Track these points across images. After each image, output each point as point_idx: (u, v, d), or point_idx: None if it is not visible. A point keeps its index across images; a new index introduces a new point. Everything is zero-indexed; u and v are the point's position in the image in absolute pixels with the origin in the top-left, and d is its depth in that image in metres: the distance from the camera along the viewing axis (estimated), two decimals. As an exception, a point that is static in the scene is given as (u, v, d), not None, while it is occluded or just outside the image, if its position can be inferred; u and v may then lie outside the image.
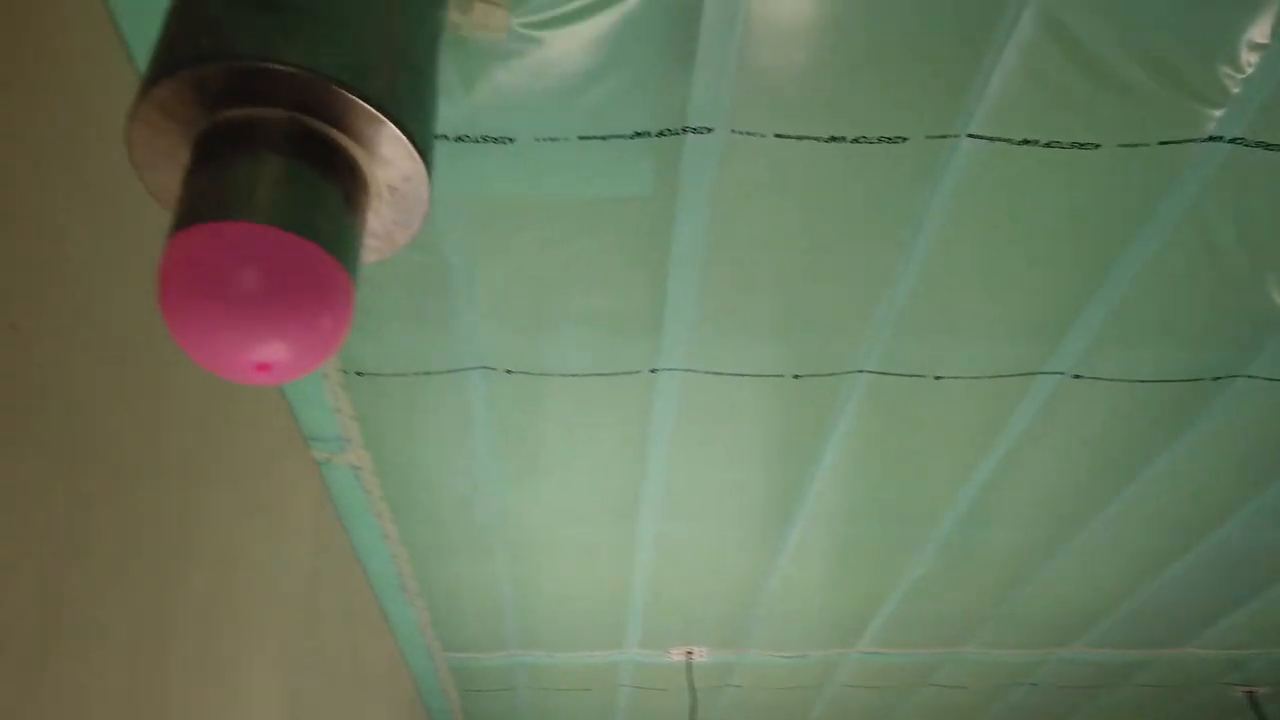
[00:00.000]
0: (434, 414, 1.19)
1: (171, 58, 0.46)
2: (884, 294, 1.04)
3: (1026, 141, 0.87)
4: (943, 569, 1.69)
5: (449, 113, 0.80)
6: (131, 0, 0.69)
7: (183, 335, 0.42)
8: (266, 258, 0.43)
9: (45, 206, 0.63)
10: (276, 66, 0.46)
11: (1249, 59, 0.79)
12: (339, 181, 0.49)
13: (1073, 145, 0.87)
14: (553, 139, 0.83)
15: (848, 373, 1.16)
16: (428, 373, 1.13)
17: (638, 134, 0.84)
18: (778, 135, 0.86)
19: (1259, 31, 0.77)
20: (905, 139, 0.87)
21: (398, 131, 0.49)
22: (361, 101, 0.47)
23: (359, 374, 1.12)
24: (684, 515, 1.48)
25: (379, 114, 0.48)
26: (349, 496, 1.35)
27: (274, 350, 0.43)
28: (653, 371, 1.15)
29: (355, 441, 1.24)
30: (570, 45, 0.76)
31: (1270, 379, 1.17)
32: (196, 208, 0.44)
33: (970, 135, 0.87)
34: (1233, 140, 0.86)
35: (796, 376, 1.17)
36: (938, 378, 1.17)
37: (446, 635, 1.85)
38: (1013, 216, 0.94)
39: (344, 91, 0.47)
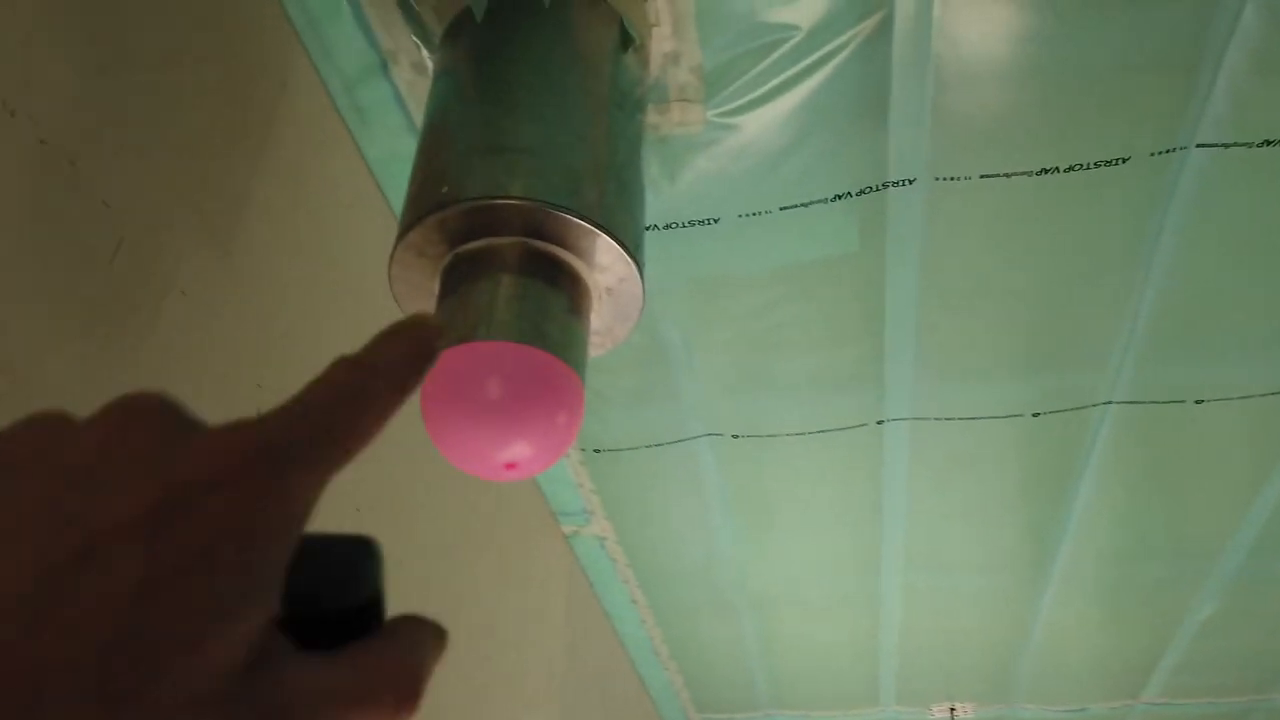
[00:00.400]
0: (667, 482, 1.24)
1: (418, 207, 0.54)
2: (1123, 320, 0.98)
3: (1268, 143, 0.80)
4: (1236, 605, 1.52)
5: (657, 204, 0.85)
6: (385, 157, 0.80)
7: (441, 442, 0.49)
8: (506, 370, 0.49)
9: (332, 336, 0.73)
10: (503, 202, 0.52)
11: None
12: (564, 291, 0.54)
13: (1325, 139, 0.80)
14: (755, 213, 0.87)
15: (1093, 406, 1.09)
16: (658, 444, 1.18)
17: (838, 196, 0.86)
18: (983, 176, 0.84)
19: None
20: (1126, 159, 0.82)
21: (610, 241, 0.54)
22: (577, 220, 0.53)
23: (596, 451, 1.19)
24: (931, 565, 1.43)
25: (592, 228, 0.53)
26: (597, 566, 1.42)
27: (519, 450, 0.49)
28: (879, 423, 1.14)
29: (598, 514, 1.31)
30: (764, 125, 0.79)
31: None
32: (445, 335, 0.50)
33: (1200, 145, 0.81)
34: None
35: (1036, 415, 1.11)
36: (1198, 402, 1.07)
37: (700, 697, 1.88)
38: (1258, 224, 0.86)
39: (561, 213, 0.53)
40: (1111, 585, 1.49)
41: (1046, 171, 0.83)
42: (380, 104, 0.77)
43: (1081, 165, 0.83)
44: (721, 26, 0.71)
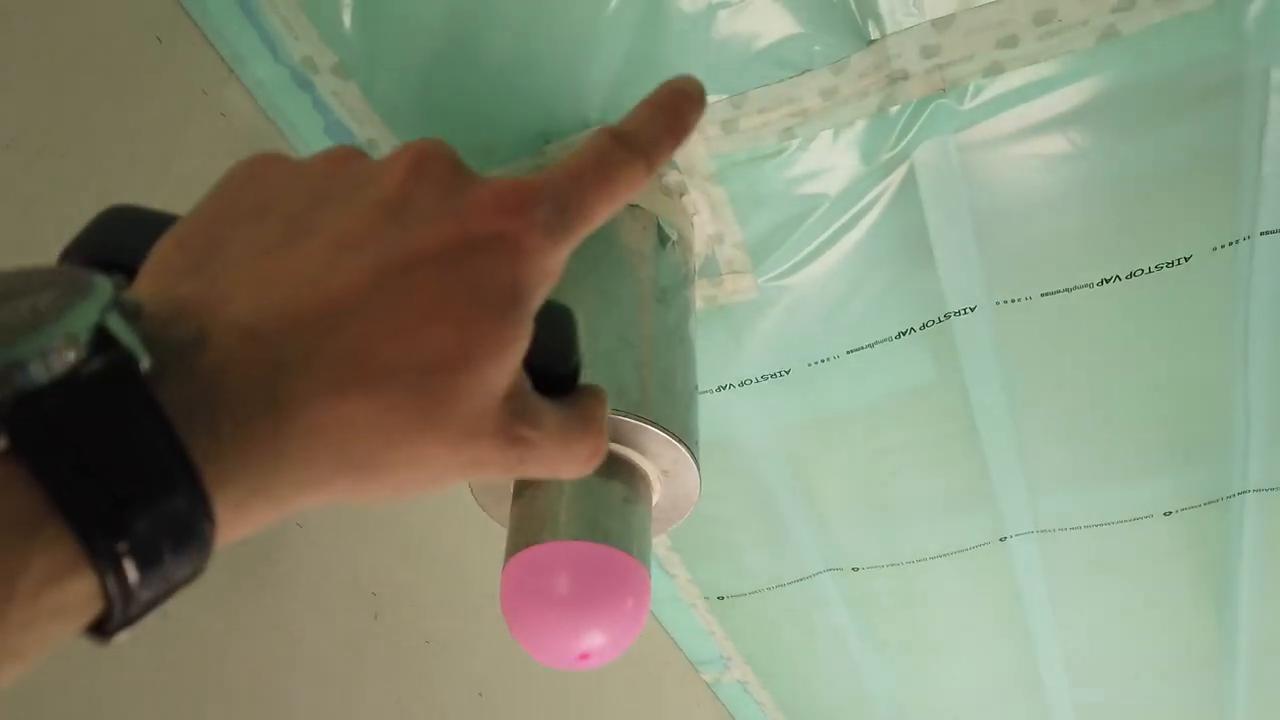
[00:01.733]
0: (797, 621, 1.24)
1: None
2: (1234, 409, 0.94)
3: (1335, 219, 0.79)
4: None
5: (727, 366, 0.91)
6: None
7: (521, 637, 0.54)
8: (569, 567, 0.54)
9: (458, 544, 0.81)
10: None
11: None
12: (621, 483, 0.60)
13: (1398, 206, 0.77)
14: (823, 360, 0.91)
15: (1227, 498, 1.04)
16: (780, 585, 1.19)
17: (902, 334, 0.89)
18: (1044, 294, 0.85)
19: None
20: (1188, 258, 0.82)
21: (657, 431, 0.59)
22: (622, 418, 0.59)
23: (720, 598, 1.21)
24: (1098, 681, 1.35)
25: (639, 422, 0.59)
26: (745, 711, 1.41)
27: (590, 639, 0.53)
28: (1002, 540, 1.12)
29: (735, 659, 1.32)
30: (814, 281, 0.84)
31: None
32: (517, 538, 0.56)
33: (1264, 233, 0.80)
34: None
35: (1167, 514, 1.07)
36: (1346, 482, 1.00)
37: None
38: (1354, 298, 0.83)
39: (610, 415, 0.59)
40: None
41: (1107, 281, 0.84)
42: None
43: (1143, 270, 0.83)
44: (754, 206, 0.77)
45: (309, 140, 0.71)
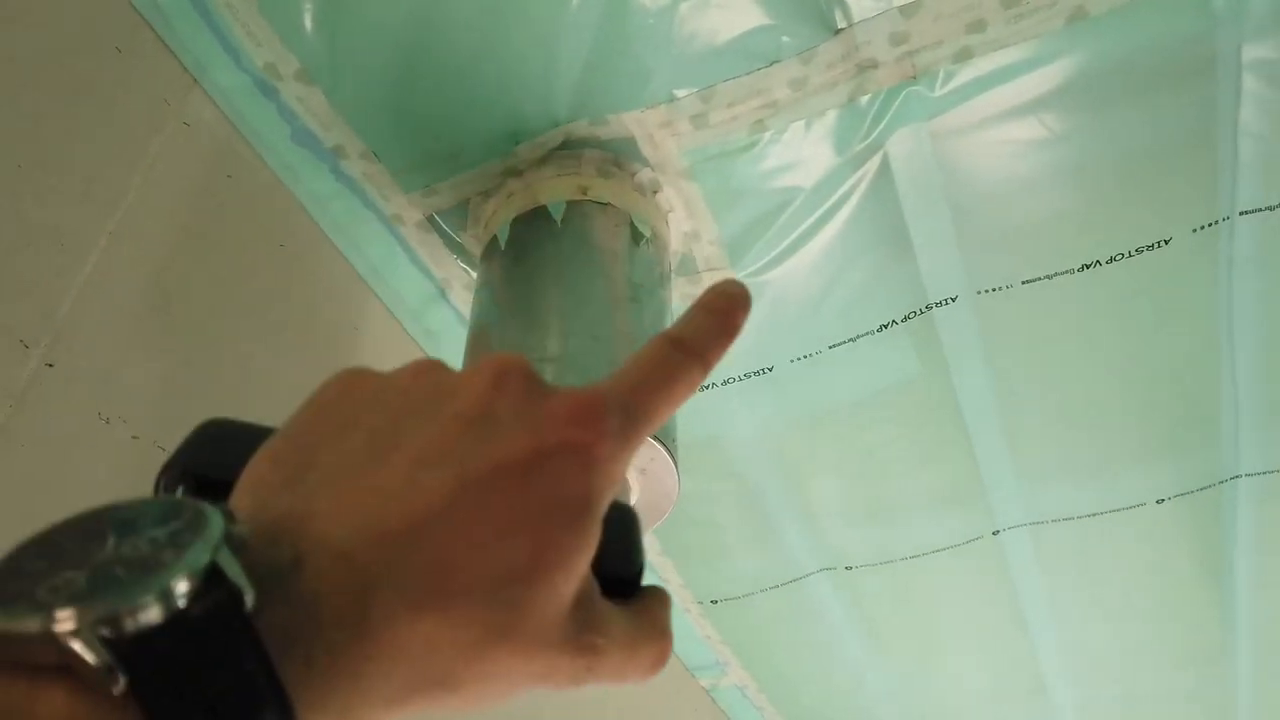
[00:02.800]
0: (793, 622, 1.23)
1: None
2: (1222, 393, 0.93)
3: (1315, 197, 0.78)
4: None
5: (709, 364, 0.90)
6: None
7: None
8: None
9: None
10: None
11: None
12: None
13: (1376, 181, 0.77)
14: (806, 356, 0.90)
15: (1220, 483, 1.03)
16: (774, 586, 1.18)
17: (883, 326, 0.88)
18: (1025, 282, 0.85)
19: None
20: (1168, 241, 0.82)
21: (633, 428, 0.59)
22: (597, 416, 0.58)
23: (714, 602, 1.20)
24: (1101, 676, 1.34)
25: (613, 421, 0.58)
26: (744, 716, 1.40)
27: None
28: (995, 534, 1.11)
29: (733, 663, 1.30)
30: (793, 276, 0.83)
31: None
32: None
33: (1243, 213, 0.80)
34: None
35: (1160, 501, 1.06)
36: (1339, 463, 1.00)
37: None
38: (1337, 275, 0.83)
39: (582, 413, 0.58)
40: (1323, 667, 1.34)
41: (1088, 267, 0.83)
42: (447, 325, 0.86)
43: (1123, 254, 0.82)
44: (729, 201, 0.77)
45: (276, 148, 0.70)
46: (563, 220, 0.69)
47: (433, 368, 0.24)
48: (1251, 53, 0.70)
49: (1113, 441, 0.99)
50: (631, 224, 0.72)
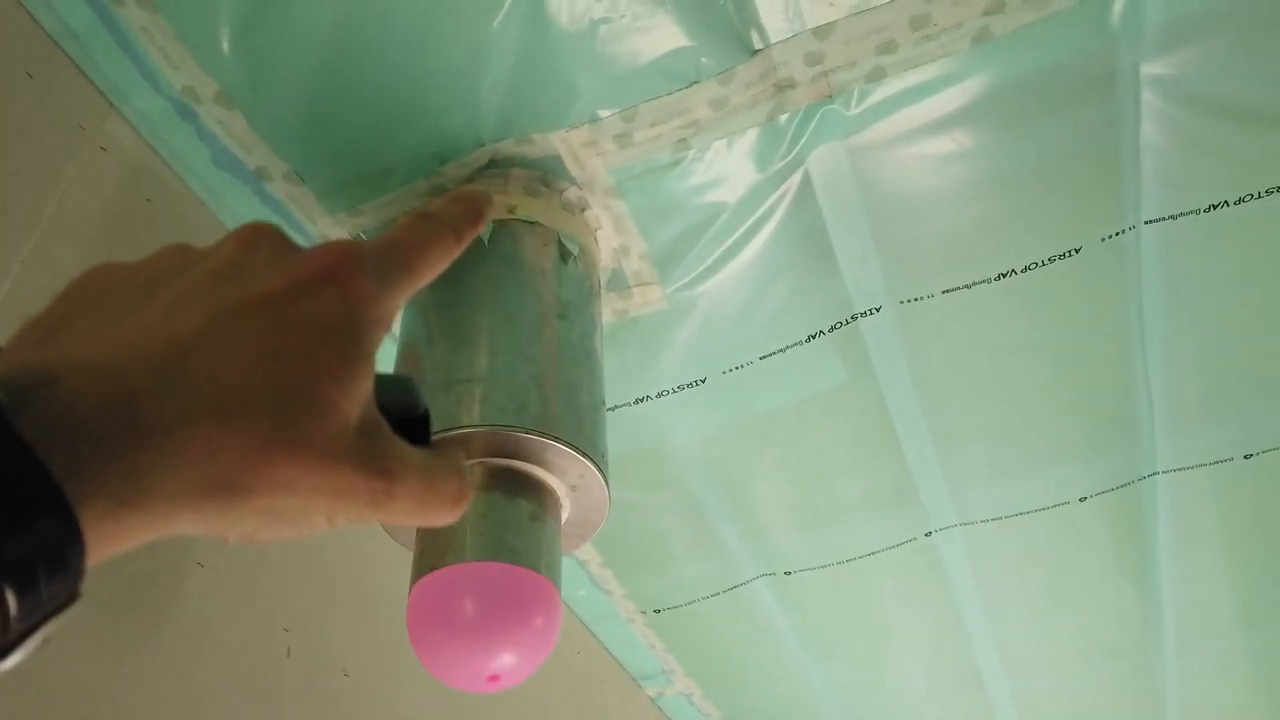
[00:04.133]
0: (736, 629, 1.25)
1: (387, 449, 0.61)
2: (1136, 394, 0.97)
3: (1213, 206, 0.82)
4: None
5: (643, 378, 0.91)
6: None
7: (427, 662, 0.53)
8: (475, 589, 0.53)
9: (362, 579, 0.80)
10: (456, 432, 0.58)
11: None
12: (527, 499, 0.59)
13: (1269, 191, 0.81)
14: (738, 367, 0.91)
15: (1137, 481, 1.07)
16: (716, 594, 1.19)
17: (811, 337, 0.90)
18: (945, 291, 0.87)
19: None
20: (1078, 250, 0.85)
21: (560, 446, 0.59)
22: (524, 434, 0.58)
23: (657, 611, 1.21)
24: (1033, 668, 1.38)
25: (540, 438, 0.59)
26: (691, 723, 1.41)
27: (499, 660, 0.53)
28: (928, 535, 1.14)
29: (678, 671, 1.32)
30: (722, 289, 0.85)
31: None
32: (421, 563, 0.56)
33: (1148, 222, 0.83)
34: None
35: (1082, 500, 1.09)
36: (1246, 456, 1.04)
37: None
38: (1236, 278, 0.87)
39: (509, 432, 0.58)
40: (1244, 656, 1.39)
41: (1004, 276, 0.86)
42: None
43: (1037, 263, 0.85)
44: (656, 217, 0.78)
45: (198, 171, 0.70)
46: (490, 239, 0.70)
47: (181, 248, 0.24)
48: (1149, 69, 0.73)
49: (1035, 443, 1.02)
50: (559, 242, 0.72)
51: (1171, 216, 0.83)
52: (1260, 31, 0.71)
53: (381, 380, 0.24)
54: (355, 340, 0.22)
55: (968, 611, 1.26)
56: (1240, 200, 0.81)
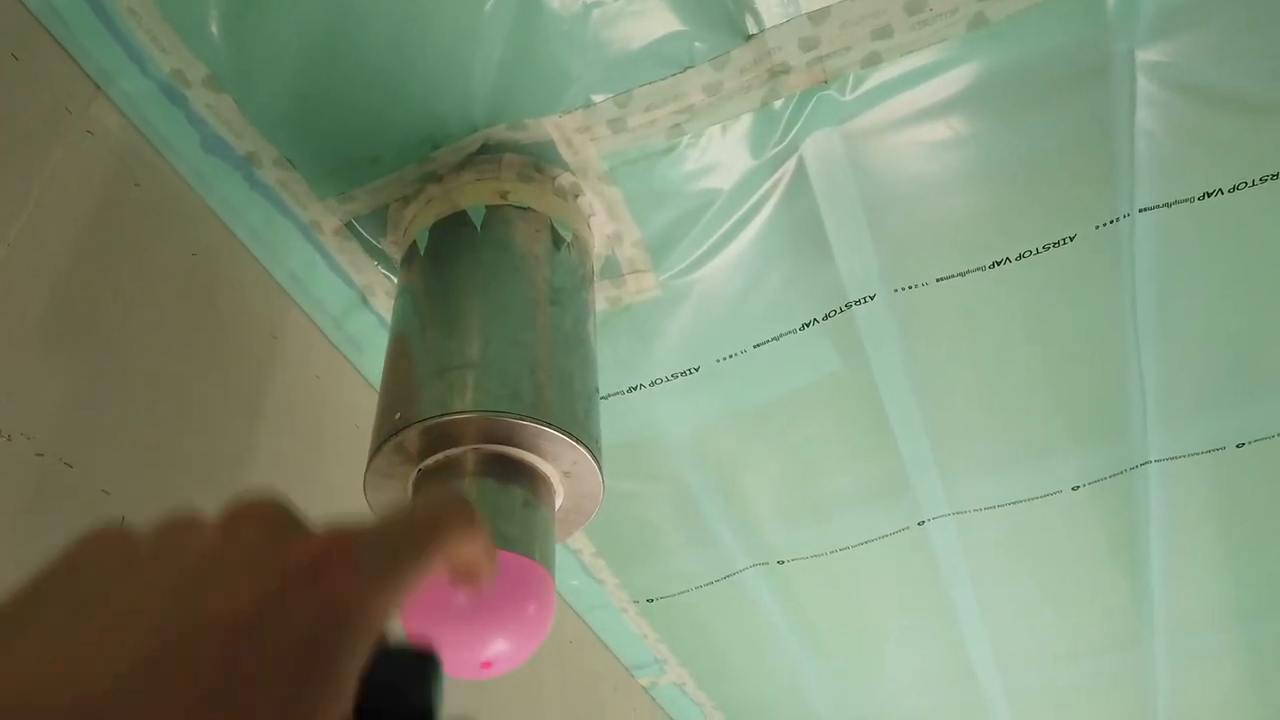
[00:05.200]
0: (728, 618, 1.25)
1: (378, 435, 0.60)
2: (1129, 384, 0.97)
3: (1208, 194, 0.82)
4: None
5: (636, 366, 0.91)
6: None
7: (424, 653, 0.53)
8: (467, 575, 0.53)
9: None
10: (449, 418, 0.58)
11: None
12: (520, 485, 0.59)
13: (1263, 179, 0.81)
14: (732, 355, 0.91)
15: (1131, 470, 1.07)
16: (709, 584, 1.19)
17: (805, 325, 0.90)
18: (939, 280, 0.87)
19: None
20: (1072, 238, 0.85)
21: (553, 431, 0.59)
22: (516, 420, 0.58)
23: (649, 600, 1.21)
24: (1026, 661, 1.38)
25: (532, 424, 0.58)
26: (684, 713, 1.41)
27: (492, 648, 0.53)
28: (921, 524, 1.14)
29: (670, 661, 1.31)
30: (717, 276, 0.85)
31: None
32: (413, 549, 0.55)
33: (1143, 210, 0.83)
34: None
35: (1075, 489, 1.10)
36: (1239, 445, 1.04)
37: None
38: (1229, 267, 0.87)
39: (502, 418, 0.58)
40: (1236, 646, 1.40)
41: (998, 264, 0.86)
42: (370, 332, 0.85)
43: (1031, 251, 0.85)
44: (650, 204, 0.78)
45: (187, 156, 0.69)
46: (483, 225, 0.69)
47: (185, 516, 0.21)
48: (1144, 56, 0.73)
49: (1028, 431, 1.02)
50: (552, 228, 0.72)
51: (1166, 204, 0.82)
52: (1256, 19, 0.71)
53: (376, 678, 0.20)
54: (330, 665, 0.18)
55: (960, 600, 1.26)
56: (1234, 188, 0.81)
